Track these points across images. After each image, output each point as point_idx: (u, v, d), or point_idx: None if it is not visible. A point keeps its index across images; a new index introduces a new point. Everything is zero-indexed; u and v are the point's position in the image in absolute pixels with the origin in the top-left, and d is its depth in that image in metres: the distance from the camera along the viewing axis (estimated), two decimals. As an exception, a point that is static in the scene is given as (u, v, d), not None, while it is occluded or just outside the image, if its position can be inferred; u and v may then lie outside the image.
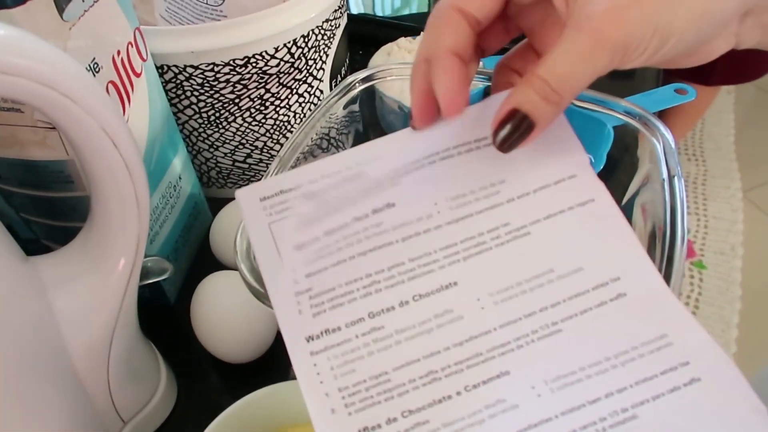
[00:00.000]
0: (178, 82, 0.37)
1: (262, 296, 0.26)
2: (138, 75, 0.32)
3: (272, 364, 0.35)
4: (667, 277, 0.26)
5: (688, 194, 1.54)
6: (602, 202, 0.24)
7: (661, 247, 0.28)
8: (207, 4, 0.36)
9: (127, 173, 0.24)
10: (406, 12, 0.84)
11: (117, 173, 0.24)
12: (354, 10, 0.64)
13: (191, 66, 0.36)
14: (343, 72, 0.46)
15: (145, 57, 0.32)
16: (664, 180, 0.30)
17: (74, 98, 0.21)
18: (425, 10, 0.70)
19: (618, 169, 0.39)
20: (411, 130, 0.25)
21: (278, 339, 0.36)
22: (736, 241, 1.44)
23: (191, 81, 0.36)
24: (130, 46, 0.31)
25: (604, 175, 0.40)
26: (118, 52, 0.30)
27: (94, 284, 0.26)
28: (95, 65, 0.28)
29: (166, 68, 0.36)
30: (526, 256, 0.23)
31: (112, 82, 0.30)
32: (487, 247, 0.23)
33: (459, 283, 0.22)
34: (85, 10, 0.27)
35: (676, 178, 0.30)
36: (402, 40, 0.48)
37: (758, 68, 1.19)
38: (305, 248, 0.23)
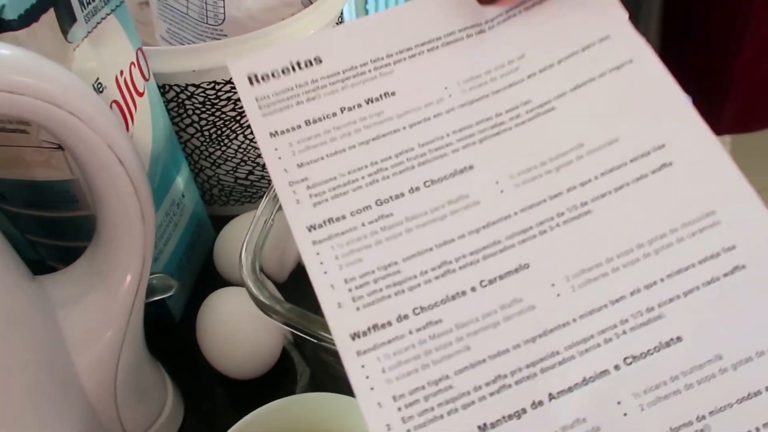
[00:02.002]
0: (180, 100, 0.37)
1: (268, 309, 0.27)
2: (141, 94, 0.32)
3: (279, 379, 0.35)
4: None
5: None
6: (643, 61, 0.22)
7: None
8: (207, 24, 0.37)
9: (133, 190, 0.24)
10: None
11: (123, 190, 0.24)
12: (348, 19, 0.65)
13: (193, 85, 0.36)
14: (342, 88, 0.46)
15: (147, 77, 0.33)
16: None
17: (81, 116, 0.22)
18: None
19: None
20: (384, 17, 0.24)
21: (285, 353, 0.36)
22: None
23: (193, 99, 0.37)
24: (132, 66, 0.31)
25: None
26: (121, 72, 0.30)
27: (100, 302, 0.26)
28: (99, 85, 0.29)
29: (168, 87, 0.36)
30: (551, 133, 0.21)
31: (115, 101, 0.30)
32: (506, 128, 0.21)
33: (475, 166, 0.21)
34: (89, 32, 0.28)
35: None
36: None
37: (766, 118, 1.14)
38: (283, 136, 0.21)
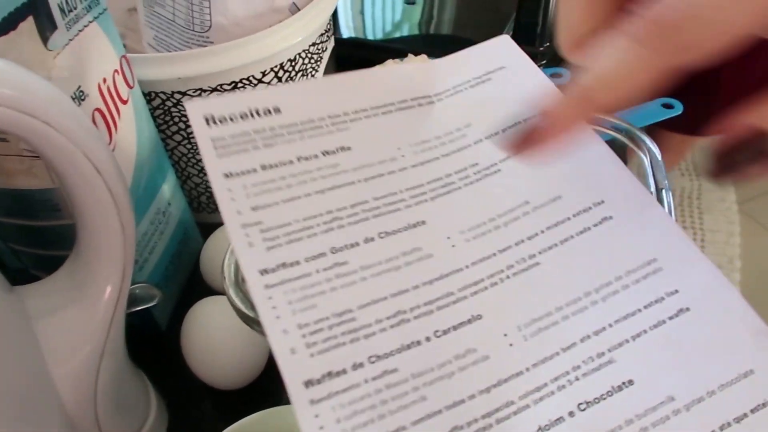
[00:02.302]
0: (166, 108, 0.37)
1: (251, 321, 0.26)
2: (125, 102, 0.32)
3: (265, 389, 0.35)
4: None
5: (684, 209, 1.55)
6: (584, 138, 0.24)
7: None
8: (193, 31, 0.37)
9: (112, 201, 0.24)
10: (397, 35, 0.85)
11: (101, 201, 0.24)
12: (345, 35, 0.65)
13: (179, 92, 0.36)
14: (331, 95, 0.46)
15: (131, 84, 0.33)
16: (652, 193, 0.30)
17: (56, 126, 0.21)
18: (416, 32, 0.70)
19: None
20: (343, 79, 0.25)
21: (270, 363, 0.35)
22: (733, 253, 1.43)
23: (179, 107, 0.36)
24: (116, 73, 0.31)
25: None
26: (104, 80, 0.30)
27: (79, 313, 0.26)
28: (80, 93, 0.28)
29: (153, 95, 0.36)
30: (497, 192, 0.22)
31: (98, 109, 0.30)
32: (456, 187, 0.22)
33: (427, 222, 0.21)
34: (70, 39, 0.27)
35: (664, 191, 0.30)
36: (389, 63, 0.48)
37: None
38: (238, 178, 0.21)
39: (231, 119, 0.22)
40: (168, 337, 0.37)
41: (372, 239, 0.20)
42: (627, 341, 0.18)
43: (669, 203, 0.30)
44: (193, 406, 0.35)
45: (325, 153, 0.22)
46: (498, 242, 0.21)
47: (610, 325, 0.19)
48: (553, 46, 0.56)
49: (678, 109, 0.44)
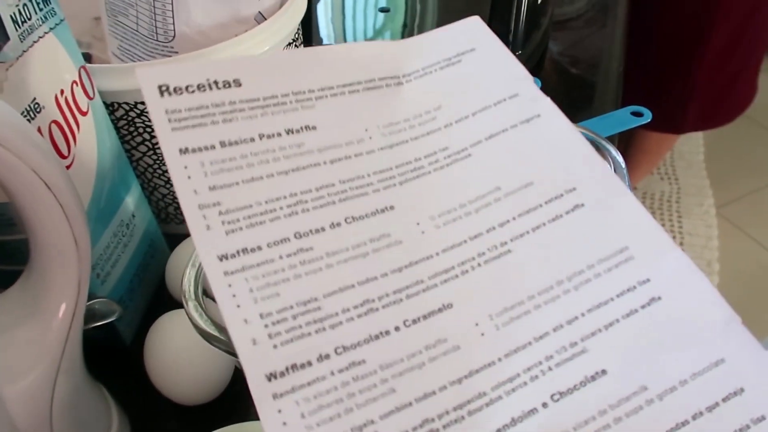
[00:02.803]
0: (130, 118, 0.36)
1: (211, 338, 0.26)
2: (84, 114, 0.31)
3: (231, 403, 0.34)
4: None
5: (663, 213, 1.56)
6: (549, 115, 0.23)
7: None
8: (157, 41, 0.36)
9: (64, 216, 0.24)
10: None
11: (52, 217, 0.23)
12: (325, 41, 0.64)
13: (142, 103, 0.35)
14: (301, 104, 0.46)
15: (91, 95, 0.32)
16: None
17: (2, 141, 0.21)
18: (398, 40, 0.70)
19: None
20: (309, 54, 0.24)
21: (236, 377, 0.35)
22: (712, 257, 1.45)
23: (143, 117, 0.36)
24: (74, 84, 0.31)
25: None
26: (62, 92, 0.30)
27: (33, 330, 0.25)
28: (36, 105, 0.28)
29: (116, 105, 0.36)
30: (468, 177, 0.22)
31: (55, 121, 0.29)
32: (426, 172, 0.22)
33: (396, 207, 0.21)
34: (24, 51, 0.27)
35: (626, 201, 0.30)
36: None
37: (729, 113, 1.21)
38: (194, 155, 0.20)
39: (188, 89, 0.21)
40: (132, 351, 0.37)
41: (338, 224, 0.20)
42: (600, 330, 0.18)
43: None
44: (157, 422, 0.34)
45: (289, 131, 0.21)
46: (469, 229, 0.20)
47: (583, 315, 0.18)
48: (525, 54, 0.56)
49: (647, 117, 0.45)
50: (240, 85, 0.21)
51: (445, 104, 0.23)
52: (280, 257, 0.18)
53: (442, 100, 0.24)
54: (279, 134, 0.21)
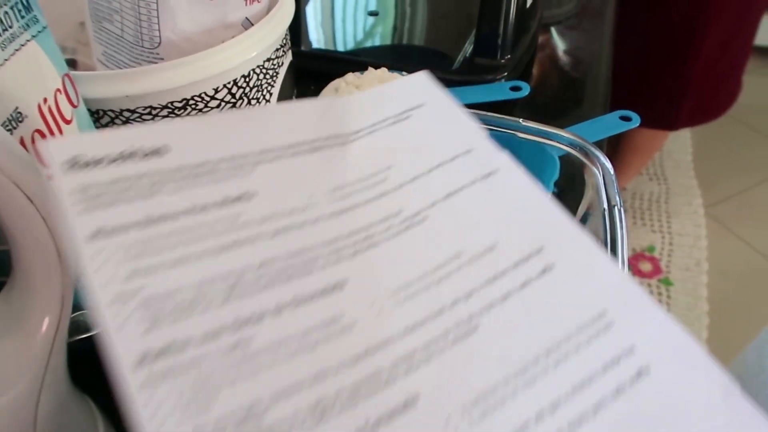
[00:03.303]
0: (116, 126, 0.36)
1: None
2: (68, 122, 0.31)
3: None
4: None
5: (652, 213, 1.57)
6: (508, 170, 0.22)
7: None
8: (143, 47, 0.36)
9: (46, 229, 0.23)
10: (368, 45, 0.84)
11: (35, 229, 0.23)
12: (315, 45, 0.64)
13: (128, 110, 0.35)
14: (290, 109, 0.45)
15: (75, 103, 0.32)
16: (604, 210, 0.31)
17: (-20, 154, 0.20)
18: (387, 43, 0.70)
19: (565, 198, 0.39)
20: (244, 115, 0.22)
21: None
22: (700, 256, 1.46)
23: (129, 125, 0.36)
24: (58, 93, 0.30)
25: (553, 205, 0.41)
26: (45, 100, 0.29)
27: (15, 344, 0.25)
28: (18, 115, 0.27)
29: (102, 113, 0.35)
30: (426, 243, 0.20)
31: (38, 131, 0.29)
32: (379, 240, 0.20)
33: (348, 283, 0.18)
34: (6, 59, 0.26)
35: (615, 208, 0.30)
36: (350, 76, 0.48)
37: (718, 109, 1.23)
38: (111, 238, 0.17)
39: (106, 161, 0.18)
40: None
41: (282, 309, 0.17)
42: (588, 415, 0.16)
43: (621, 220, 0.30)
44: None
45: (224, 202, 0.19)
46: (431, 304, 0.18)
47: (567, 397, 0.16)
48: (514, 58, 0.56)
49: (635, 121, 0.45)
50: (168, 151, 0.20)
51: (397, 163, 0.22)
52: (217, 354, 0.16)
53: (392, 159, 0.22)
54: (212, 206, 0.19)
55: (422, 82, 0.26)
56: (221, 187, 0.19)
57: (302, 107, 0.23)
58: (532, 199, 0.21)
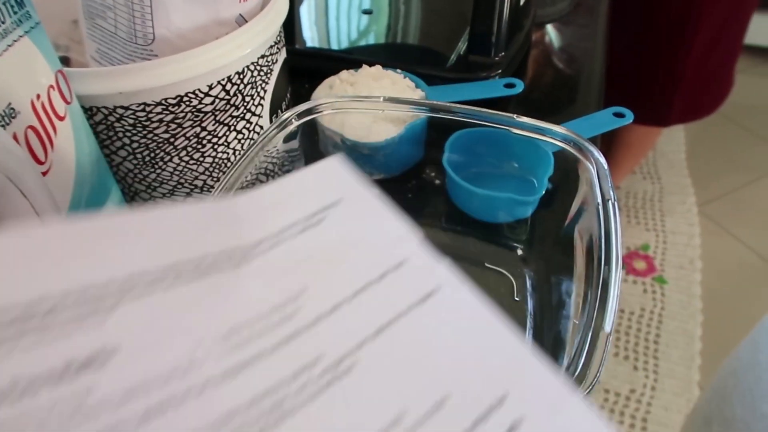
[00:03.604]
0: (109, 123, 0.36)
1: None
2: (61, 119, 0.31)
3: None
4: (603, 304, 0.26)
5: (646, 212, 1.58)
6: (449, 288, 0.17)
7: (597, 273, 0.28)
8: (136, 44, 0.36)
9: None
10: (362, 44, 0.84)
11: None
12: (309, 44, 0.64)
13: (121, 107, 0.35)
14: (283, 107, 0.45)
15: (69, 100, 0.32)
16: (598, 204, 0.31)
17: (-26, 148, 0.20)
18: (382, 41, 0.70)
19: (559, 193, 0.40)
20: (97, 225, 0.15)
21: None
22: (694, 254, 1.47)
23: (122, 122, 0.35)
24: (51, 89, 0.30)
25: (547, 201, 0.41)
26: (38, 96, 0.29)
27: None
28: (11, 111, 0.27)
29: (95, 110, 0.35)
30: (358, 404, 0.14)
31: (31, 127, 0.29)
32: (292, 407, 0.14)
33: None
34: (-2, 55, 0.26)
35: (609, 202, 0.30)
36: (344, 73, 0.48)
37: (710, 105, 1.24)
38: None
39: None
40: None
41: None
42: None
43: (615, 215, 0.30)
44: None
45: (65, 371, 0.12)
46: None
47: None
48: (508, 56, 0.56)
49: (629, 118, 0.45)
50: None
51: (313, 286, 0.16)
52: None
53: (304, 282, 0.17)
54: (45, 380, 0.12)
55: (336, 170, 0.20)
56: (65, 345, 0.12)
57: (189, 209, 0.17)
58: (484, 326, 0.16)
